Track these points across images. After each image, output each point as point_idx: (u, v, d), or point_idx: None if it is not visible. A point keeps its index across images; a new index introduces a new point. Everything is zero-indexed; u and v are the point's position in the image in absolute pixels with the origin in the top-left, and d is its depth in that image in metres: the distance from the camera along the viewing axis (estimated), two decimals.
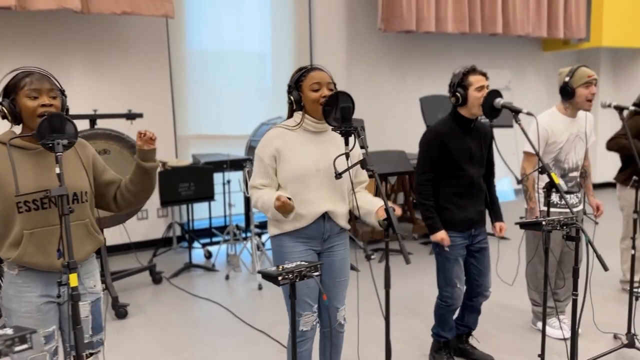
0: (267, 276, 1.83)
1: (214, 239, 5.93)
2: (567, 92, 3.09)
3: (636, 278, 3.99)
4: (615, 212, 6.61)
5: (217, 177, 5.82)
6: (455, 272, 2.82)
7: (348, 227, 2.44)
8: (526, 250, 3.42)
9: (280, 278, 1.81)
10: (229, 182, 5.23)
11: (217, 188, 5.82)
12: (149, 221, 5.70)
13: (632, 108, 3.06)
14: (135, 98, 5.53)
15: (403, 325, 3.64)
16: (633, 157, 3.67)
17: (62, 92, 1.95)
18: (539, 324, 3.47)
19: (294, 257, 2.31)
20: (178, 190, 4.70)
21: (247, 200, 5.43)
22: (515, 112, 2.52)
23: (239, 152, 6.10)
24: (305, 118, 2.29)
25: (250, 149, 5.59)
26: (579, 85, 3.05)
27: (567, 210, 3.19)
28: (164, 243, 5.75)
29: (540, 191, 3.19)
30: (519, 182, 2.64)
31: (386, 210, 1.93)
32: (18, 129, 1.97)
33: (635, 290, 4.01)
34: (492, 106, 2.58)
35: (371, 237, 5.75)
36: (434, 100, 5.67)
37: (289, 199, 2.13)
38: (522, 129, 2.50)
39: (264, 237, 5.94)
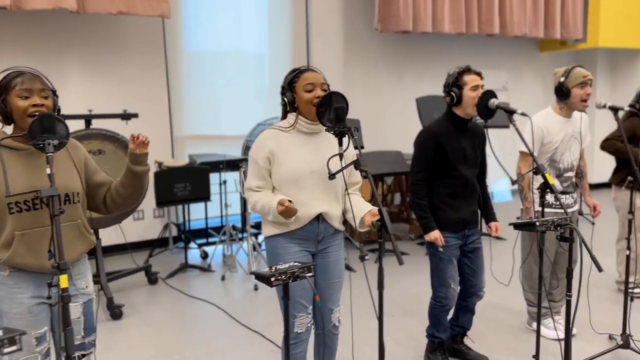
0: (259, 277, 1.83)
1: (210, 240, 5.92)
2: (562, 93, 3.09)
3: (631, 279, 3.99)
4: (612, 213, 6.61)
5: (214, 178, 5.81)
6: (449, 273, 2.82)
7: (342, 228, 2.44)
8: (521, 251, 3.42)
9: (272, 279, 1.80)
10: (225, 182, 5.22)
11: (214, 188, 5.81)
12: (145, 221, 5.69)
13: (627, 109, 3.06)
14: (131, 98, 5.52)
15: (399, 325, 3.64)
16: (628, 159, 3.67)
17: (54, 92, 1.94)
18: (534, 325, 3.47)
19: (288, 258, 2.30)
20: (174, 190, 4.69)
21: (244, 201, 5.42)
22: (510, 112, 2.52)
23: (236, 153, 6.09)
24: (299, 119, 2.28)
25: (247, 149, 5.58)
26: (574, 86, 3.05)
27: (562, 210, 3.19)
28: (160, 243, 5.74)
29: (536, 191, 3.19)
30: (513, 182, 2.64)
31: (379, 211, 1.92)
32: (9, 129, 1.96)
33: (630, 290, 4.01)
34: (486, 107, 2.58)
35: (367, 237, 5.75)
36: (430, 100, 5.67)
37: (290, 201, 2.13)
38: (517, 130, 2.50)
39: (260, 238, 5.93)
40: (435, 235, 2.74)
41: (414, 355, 3.20)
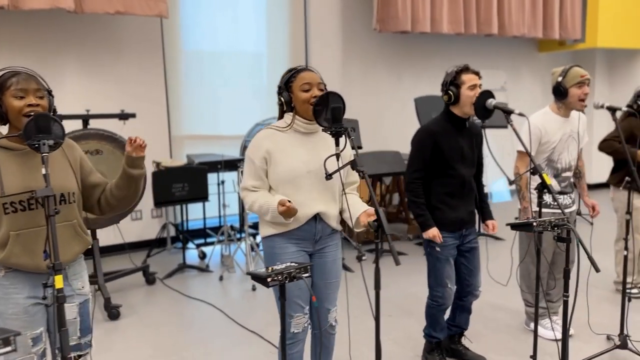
0: (256, 278, 1.82)
1: (209, 240, 5.91)
2: (560, 92, 3.09)
3: (629, 279, 3.99)
4: (611, 214, 6.61)
5: (212, 178, 5.81)
6: (446, 272, 2.83)
7: (340, 228, 2.43)
8: (519, 251, 3.41)
9: (269, 279, 1.80)
10: (223, 182, 5.22)
11: (212, 188, 5.81)
12: (143, 222, 5.68)
13: (624, 109, 3.06)
14: (129, 98, 5.51)
15: (397, 325, 3.63)
16: (625, 159, 3.67)
17: (49, 92, 1.93)
18: (532, 325, 3.47)
19: (286, 258, 2.30)
20: (172, 190, 4.68)
21: (242, 201, 5.42)
22: (507, 112, 2.52)
23: (234, 153, 6.08)
24: (296, 119, 2.28)
25: (245, 149, 5.57)
26: (572, 85, 3.05)
27: (560, 210, 3.19)
28: (158, 244, 5.74)
29: (533, 191, 3.19)
30: (510, 183, 2.64)
31: (376, 211, 1.92)
32: (4, 129, 1.95)
33: (628, 291, 4.01)
34: (484, 107, 2.58)
35: (365, 237, 5.74)
36: (428, 100, 5.66)
37: (289, 201, 2.13)
38: (514, 130, 2.50)
39: (258, 238, 5.93)
40: (433, 232, 2.74)
41: (412, 355, 3.19)
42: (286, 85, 2.26)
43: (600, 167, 8.78)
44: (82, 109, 5.29)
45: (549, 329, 3.38)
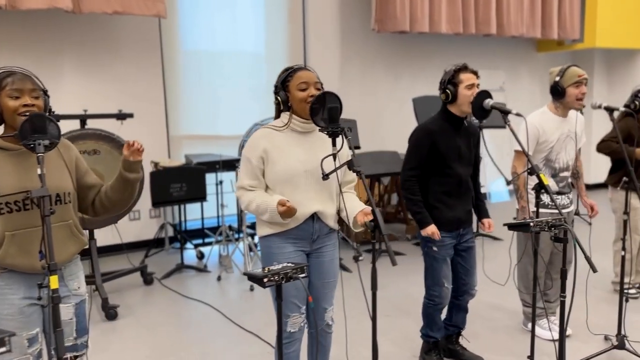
0: (252, 278, 1.82)
1: (207, 240, 5.91)
2: (557, 92, 3.09)
3: (627, 279, 3.99)
4: (609, 214, 6.61)
5: (210, 178, 5.80)
6: (444, 272, 2.83)
7: (337, 227, 2.43)
8: (517, 251, 3.41)
9: (265, 280, 1.80)
10: (221, 182, 5.21)
11: (210, 188, 5.80)
12: (141, 222, 5.67)
13: (622, 109, 3.06)
14: (127, 98, 5.50)
15: (395, 326, 3.63)
16: (623, 160, 3.67)
17: (45, 92, 1.93)
18: (530, 325, 3.46)
19: (283, 258, 2.30)
20: (169, 190, 4.68)
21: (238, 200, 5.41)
22: (505, 113, 2.52)
23: (233, 153, 6.08)
24: (293, 118, 2.27)
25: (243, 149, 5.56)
26: (570, 85, 3.05)
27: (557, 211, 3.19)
28: (156, 244, 5.73)
29: (531, 191, 3.19)
30: (508, 183, 2.63)
31: (373, 212, 1.92)
32: (0, 130, 1.95)
33: (625, 291, 4.01)
34: (481, 107, 2.58)
35: (364, 237, 5.74)
36: (426, 100, 5.66)
37: (287, 201, 2.13)
38: (511, 130, 2.50)
39: (257, 238, 5.92)
40: (431, 229, 2.74)
41: (410, 355, 3.19)
42: (283, 85, 2.26)
43: (598, 167, 8.78)
44: (80, 108, 5.29)
45: (547, 329, 3.38)
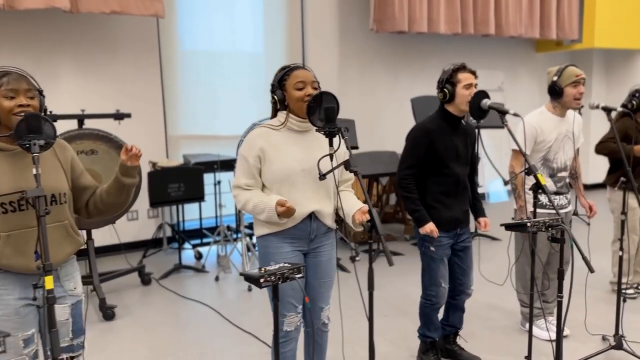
0: (249, 278, 1.82)
1: (205, 240, 5.90)
2: (555, 92, 3.09)
3: (625, 280, 3.99)
4: (608, 214, 6.61)
5: (208, 178, 5.79)
6: (441, 272, 2.83)
7: (334, 226, 2.43)
8: (515, 251, 3.41)
9: (262, 280, 1.79)
10: (219, 182, 5.20)
11: (208, 189, 5.79)
12: (139, 222, 5.67)
13: (620, 109, 3.06)
14: (125, 97, 5.50)
15: (393, 326, 3.63)
16: (621, 159, 3.67)
17: (40, 92, 1.92)
18: (528, 325, 3.46)
19: (280, 258, 2.29)
20: (167, 190, 4.67)
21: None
22: (502, 113, 2.51)
23: (231, 153, 6.07)
24: (290, 117, 2.27)
25: None
26: (567, 85, 3.05)
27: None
28: (154, 244, 5.72)
29: (529, 191, 3.19)
30: (505, 183, 2.63)
31: (369, 211, 1.91)
32: None
33: (623, 291, 4.01)
34: (479, 107, 2.58)
35: (362, 237, 5.74)
36: (425, 100, 5.66)
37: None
38: (509, 130, 2.50)
39: (255, 238, 5.92)
40: (430, 227, 2.74)
41: (407, 355, 3.19)
42: (280, 84, 2.26)
43: (597, 167, 8.79)
44: (78, 108, 5.28)
45: (544, 330, 3.38)
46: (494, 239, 5.85)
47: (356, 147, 4.94)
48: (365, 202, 2.85)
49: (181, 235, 5.29)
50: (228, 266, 5.02)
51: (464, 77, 2.73)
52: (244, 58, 6.20)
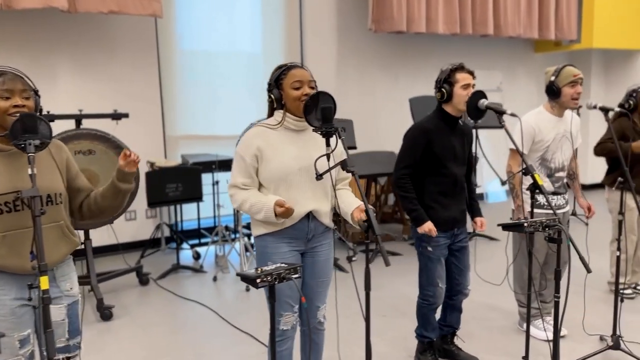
0: (245, 279, 1.82)
1: (203, 240, 5.90)
2: (552, 91, 3.09)
3: (623, 279, 3.99)
4: (606, 214, 6.61)
5: (206, 178, 5.79)
6: (438, 272, 2.83)
7: (332, 225, 2.43)
8: (513, 251, 3.41)
9: (258, 281, 1.79)
10: (217, 182, 5.20)
11: (206, 189, 5.79)
12: (137, 222, 5.66)
13: (617, 109, 3.05)
14: (123, 97, 5.49)
15: (391, 326, 3.62)
16: (619, 159, 3.68)
17: (36, 92, 1.92)
18: (525, 325, 3.46)
19: (277, 258, 2.29)
20: (165, 190, 4.67)
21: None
22: (499, 113, 2.51)
23: (230, 153, 6.06)
24: (287, 116, 2.27)
25: None
26: (565, 85, 3.05)
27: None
28: (152, 244, 5.72)
29: (526, 191, 3.19)
30: (503, 183, 2.63)
31: (366, 211, 1.91)
32: None
33: (621, 291, 4.01)
34: (476, 107, 2.58)
35: (360, 238, 5.73)
36: (423, 101, 5.66)
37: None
38: (506, 130, 2.49)
39: (253, 239, 5.91)
40: (429, 226, 2.73)
41: (405, 355, 3.18)
42: (276, 83, 2.25)
43: (595, 168, 8.79)
44: (76, 108, 5.27)
45: (542, 330, 3.38)
46: (492, 239, 5.85)
47: (354, 147, 4.94)
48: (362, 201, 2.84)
49: (179, 236, 5.28)
50: (226, 266, 5.01)
51: (461, 77, 2.73)
52: (243, 58, 6.20)
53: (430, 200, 2.80)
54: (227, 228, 5.51)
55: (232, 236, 5.78)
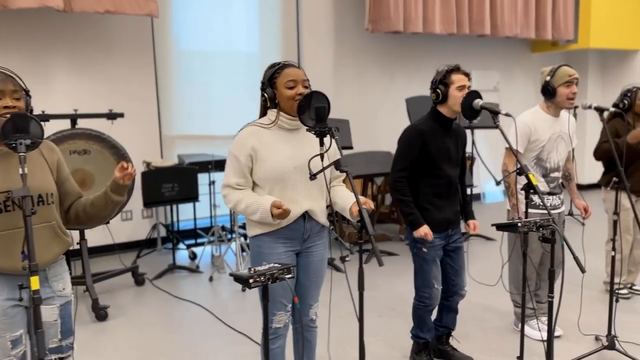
0: (238, 279, 1.81)
1: (199, 240, 5.89)
2: (548, 91, 3.10)
3: (618, 279, 3.99)
4: (603, 214, 6.62)
5: (203, 178, 5.78)
6: (433, 273, 2.82)
7: (327, 224, 2.42)
8: (508, 251, 3.41)
9: (251, 281, 1.78)
10: (213, 182, 5.19)
11: (203, 189, 5.78)
12: (134, 222, 5.65)
13: (612, 109, 3.06)
14: (119, 97, 5.48)
15: (387, 326, 3.62)
16: (614, 158, 3.68)
17: (27, 92, 1.91)
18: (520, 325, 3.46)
19: (273, 258, 2.28)
20: (161, 190, 4.66)
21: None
22: (494, 113, 2.51)
23: (226, 153, 6.05)
24: (280, 115, 2.26)
25: None
26: (560, 85, 3.05)
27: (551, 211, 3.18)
28: (148, 244, 5.70)
29: (521, 191, 3.19)
30: (497, 183, 2.63)
31: (359, 212, 1.91)
32: None
33: (616, 291, 4.02)
34: (471, 107, 2.57)
35: (357, 238, 5.72)
36: (420, 101, 5.66)
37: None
38: (501, 130, 2.49)
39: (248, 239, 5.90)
40: (424, 230, 2.73)
41: (400, 356, 3.18)
42: (270, 81, 2.24)
43: (592, 168, 8.80)
44: (72, 108, 5.26)
45: (537, 330, 3.37)
46: (488, 239, 5.85)
47: (351, 147, 4.93)
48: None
49: (175, 236, 5.27)
50: (222, 266, 5.01)
51: (457, 79, 2.72)
52: (239, 58, 6.19)
53: (424, 201, 2.80)
54: (223, 228, 5.50)
55: (229, 236, 5.77)
